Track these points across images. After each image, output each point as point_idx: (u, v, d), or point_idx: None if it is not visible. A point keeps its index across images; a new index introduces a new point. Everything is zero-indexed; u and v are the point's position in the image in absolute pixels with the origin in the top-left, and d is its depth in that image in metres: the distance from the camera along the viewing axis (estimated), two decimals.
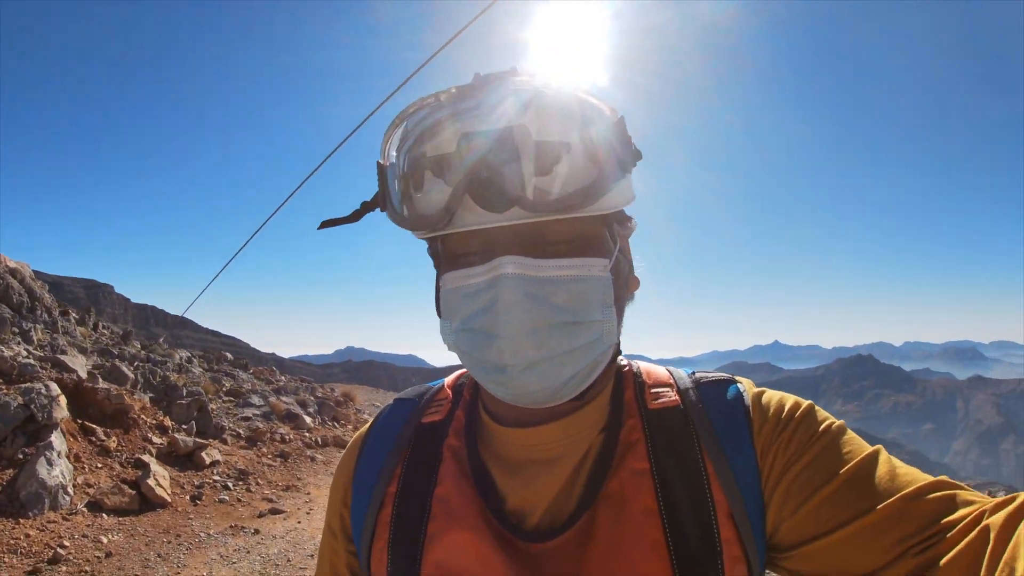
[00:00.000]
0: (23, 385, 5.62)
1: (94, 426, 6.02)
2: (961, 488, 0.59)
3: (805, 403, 0.70)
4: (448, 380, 0.86)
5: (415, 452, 0.76)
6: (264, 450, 8.07)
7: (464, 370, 0.84)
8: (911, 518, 0.57)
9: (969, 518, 0.55)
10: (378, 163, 0.69)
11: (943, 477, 0.60)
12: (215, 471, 6.74)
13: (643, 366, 0.79)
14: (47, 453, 5.12)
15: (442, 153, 0.62)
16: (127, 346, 10.09)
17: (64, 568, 4.20)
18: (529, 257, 0.62)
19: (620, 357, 0.79)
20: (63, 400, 5.67)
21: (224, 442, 7.76)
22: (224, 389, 10.35)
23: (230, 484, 6.57)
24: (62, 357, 6.71)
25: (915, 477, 0.60)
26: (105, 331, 11.29)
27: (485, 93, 0.63)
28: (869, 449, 0.64)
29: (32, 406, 5.36)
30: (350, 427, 10.75)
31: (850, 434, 0.66)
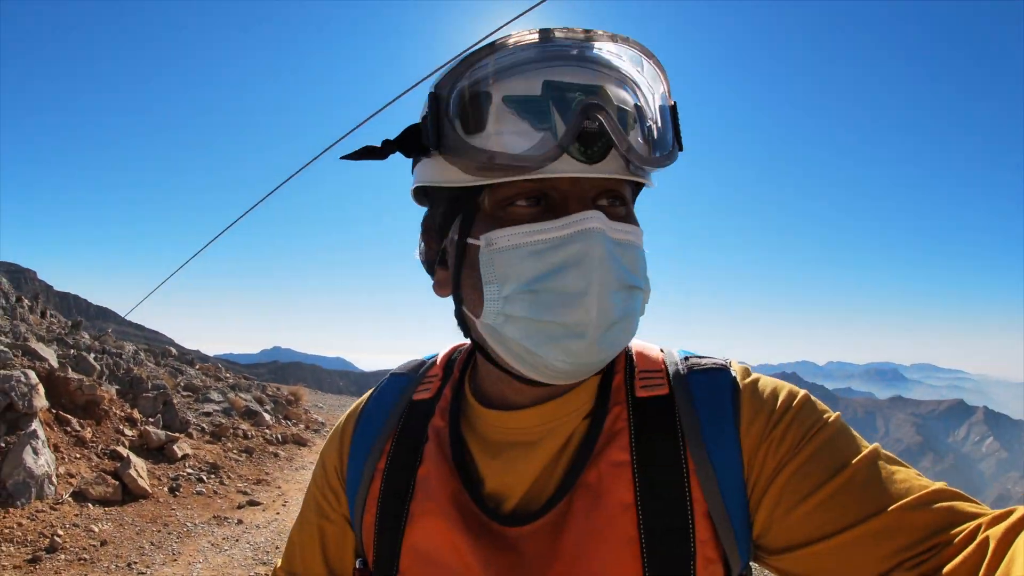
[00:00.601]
0: (0, 372, 5.53)
1: (69, 416, 5.96)
2: (961, 497, 0.57)
3: (800, 394, 0.67)
4: (440, 356, 0.85)
5: (404, 429, 0.76)
6: (229, 445, 8.06)
7: (457, 345, 0.85)
8: (909, 529, 0.55)
9: (967, 530, 0.53)
10: (432, 94, 0.63)
11: (943, 485, 0.58)
12: (187, 464, 6.75)
13: (636, 345, 0.77)
14: (32, 442, 5.08)
15: (534, 94, 0.60)
16: (79, 336, 9.80)
17: (63, 556, 4.24)
18: (606, 217, 0.61)
19: None
20: (41, 389, 5.62)
21: (190, 436, 7.73)
22: (181, 384, 10.20)
23: (204, 477, 6.60)
24: (32, 345, 6.57)
25: (913, 484, 0.58)
26: (53, 319, 10.89)
27: (586, 45, 0.63)
28: (867, 449, 0.62)
29: (12, 394, 5.30)
30: (302, 425, 10.79)
31: (846, 430, 0.64)
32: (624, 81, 0.64)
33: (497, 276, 0.62)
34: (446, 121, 0.62)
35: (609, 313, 0.59)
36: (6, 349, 6.17)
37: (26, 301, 10.00)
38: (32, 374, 5.64)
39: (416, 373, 0.83)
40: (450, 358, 0.83)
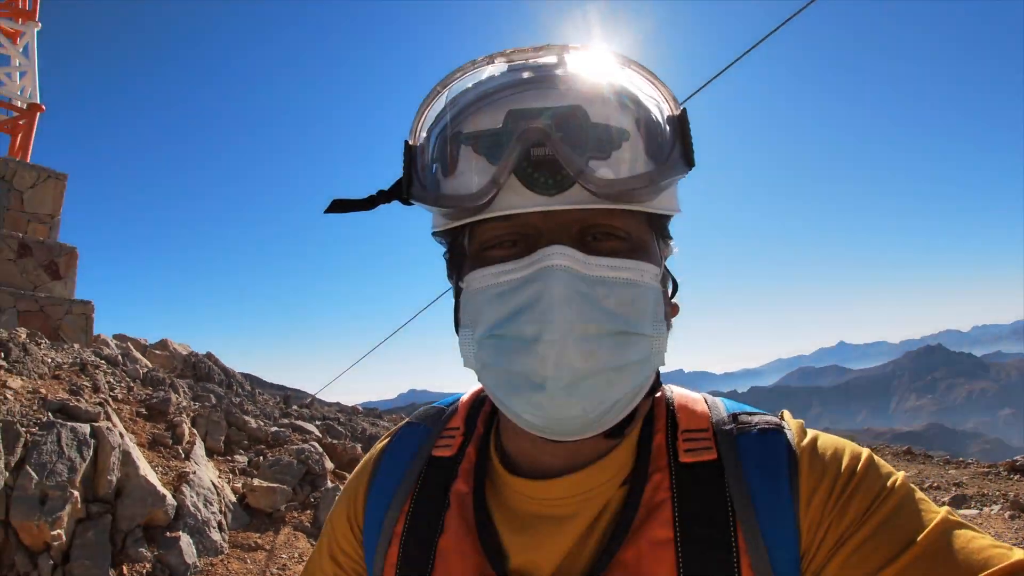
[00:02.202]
0: (293, 447, 7.19)
1: (344, 472, 7.55)
2: None
3: (863, 456, 0.61)
4: (464, 399, 0.78)
5: (423, 490, 0.70)
6: None
7: (479, 389, 0.78)
8: None
9: None
10: (406, 142, 0.63)
11: (1021, 558, 0.52)
12: None
13: (677, 395, 0.70)
14: (334, 496, 6.63)
15: (486, 129, 0.57)
16: (293, 409, 11.79)
17: None
18: (579, 251, 0.55)
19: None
20: (326, 455, 7.22)
21: None
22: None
23: None
24: (299, 423, 8.32)
25: (991, 554, 0.53)
26: (267, 398, 13.10)
27: (540, 66, 0.59)
28: (937, 517, 0.56)
29: (309, 461, 6.90)
30: None
31: (914, 495, 0.58)
32: (593, 98, 0.57)
33: (471, 319, 0.60)
34: (413, 169, 0.62)
35: (573, 362, 0.54)
36: (283, 429, 7.90)
37: (246, 386, 12.15)
38: (317, 445, 7.26)
39: (435, 424, 0.77)
40: (473, 403, 0.77)
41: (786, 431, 0.64)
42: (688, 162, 0.60)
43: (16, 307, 9.10)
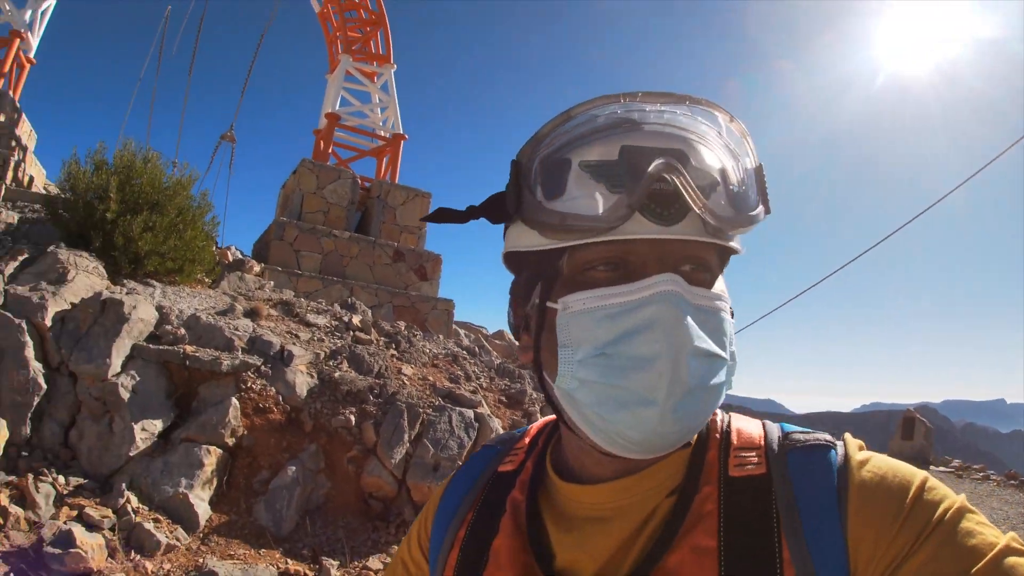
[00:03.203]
0: None
1: None
2: None
3: (919, 477, 0.58)
4: (533, 427, 0.83)
5: (486, 500, 0.76)
6: None
7: (549, 418, 0.81)
8: None
9: None
10: (514, 162, 0.65)
11: None
12: None
13: (735, 420, 0.71)
14: None
15: (605, 160, 0.60)
16: None
17: None
18: (684, 280, 0.59)
19: None
20: None
21: None
22: None
23: None
24: None
25: None
26: None
27: (658, 112, 0.63)
28: (1000, 543, 0.52)
29: None
30: None
31: (976, 519, 0.55)
32: (704, 143, 0.62)
33: (572, 340, 0.61)
34: (525, 187, 0.63)
35: (683, 380, 0.56)
36: None
37: None
38: None
39: (506, 445, 0.83)
40: (540, 429, 0.82)
41: (838, 449, 0.62)
42: (767, 209, 0.65)
43: (392, 303, 11.09)
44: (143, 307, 5.52)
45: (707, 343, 0.59)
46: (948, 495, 0.57)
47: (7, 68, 11.64)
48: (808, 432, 0.66)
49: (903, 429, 15.41)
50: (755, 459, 0.64)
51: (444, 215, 0.73)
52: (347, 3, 14.31)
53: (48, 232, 7.10)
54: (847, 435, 0.65)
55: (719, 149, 0.64)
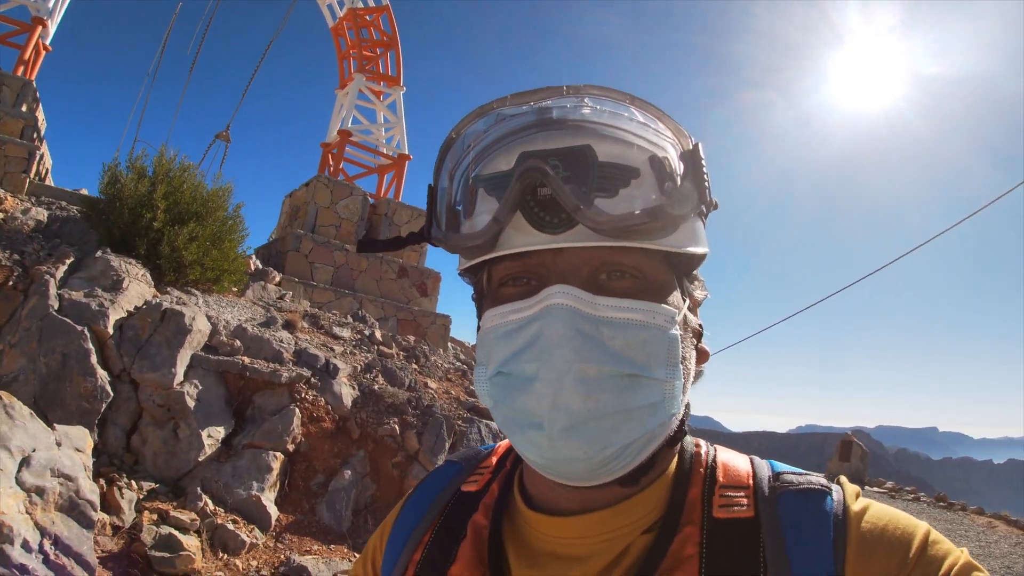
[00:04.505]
0: None
1: None
2: None
3: (921, 530, 0.56)
4: (501, 445, 0.78)
5: (445, 522, 0.71)
6: None
7: None
8: None
9: None
10: (429, 186, 0.64)
11: None
12: None
13: (722, 455, 0.66)
14: None
15: (500, 171, 0.58)
16: None
17: None
18: (585, 291, 0.55)
19: (695, 440, 0.67)
20: None
21: None
22: None
23: None
24: None
25: None
26: None
27: (549, 108, 0.59)
28: None
29: None
30: None
31: (979, 574, 0.53)
32: (607, 137, 0.57)
33: (484, 357, 0.60)
34: (431, 211, 0.64)
35: (570, 403, 0.52)
36: None
37: None
38: None
39: (470, 463, 0.78)
40: (508, 448, 0.77)
41: (833, 493, 0.59)
42: (701, 198, 0.58)
43: (396, 316, 11.61)
44: (200, 318, 5.89)
45: (611, 362, 0.53)
46: (952, 550, 0.54)
47: (28, 55, 11.66)
48: (801, 474, 0.62)
49: (841, 451, 16.51)
50: (743, 500, 0.60)
51: (374, 244, 0.72)
52: (361, 21, 14.64)
53: (81, 232, 7.26)
54: (843, 479, 0.62)
55: (620, 140, 0.57)
